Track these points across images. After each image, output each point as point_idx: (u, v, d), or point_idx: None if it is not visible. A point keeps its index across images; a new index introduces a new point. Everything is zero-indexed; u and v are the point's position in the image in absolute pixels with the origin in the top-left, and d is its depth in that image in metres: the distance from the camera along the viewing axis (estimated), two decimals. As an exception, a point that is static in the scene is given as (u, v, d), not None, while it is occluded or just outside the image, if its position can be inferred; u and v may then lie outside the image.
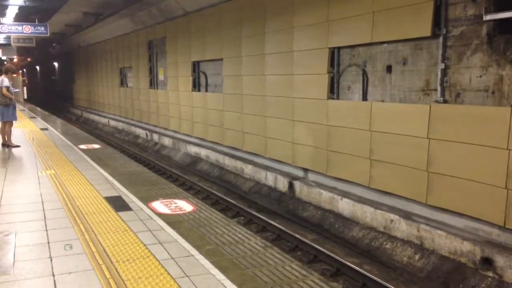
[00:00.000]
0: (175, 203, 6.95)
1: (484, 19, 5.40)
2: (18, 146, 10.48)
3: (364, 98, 7.50)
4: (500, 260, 5.10)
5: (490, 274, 5.19)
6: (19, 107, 11.54)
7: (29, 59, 44.26)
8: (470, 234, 5.65)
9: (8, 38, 21.58)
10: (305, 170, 8.83)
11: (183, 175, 11.16)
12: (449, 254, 5.69)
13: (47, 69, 41.74)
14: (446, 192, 5.99)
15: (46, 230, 4.73)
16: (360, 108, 7.40)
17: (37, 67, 48.09)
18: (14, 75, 12.49)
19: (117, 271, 3.75)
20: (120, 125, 20.58)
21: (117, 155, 12.15)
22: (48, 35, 18.32)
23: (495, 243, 5.35)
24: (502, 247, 5.25)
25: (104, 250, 4.19)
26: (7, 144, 10.31)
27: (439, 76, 6.13)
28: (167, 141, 15.17)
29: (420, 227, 6.09)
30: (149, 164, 12.78)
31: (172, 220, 5.68)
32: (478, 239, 5.51)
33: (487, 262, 5.23)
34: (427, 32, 6.16)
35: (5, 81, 10.14)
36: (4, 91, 10.00)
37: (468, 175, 5.68)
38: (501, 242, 5.33)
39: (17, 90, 11.62)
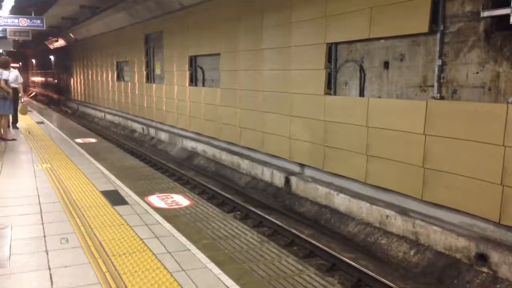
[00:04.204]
0: (171, 197, 6.97)
1: (481, 15, 5.40)
2: (14, 140, 10.45)
3: (361, 94, 7.51)
4: (494, 256, 5.14)
5: (485, 270, 5.22)
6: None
7: (25, 52, 44.00)
8: (465, 230, 5.68)
9: (4, 31, 21.42)
10: (302, 165, 8.85)
11: (180, 170, 11.15)
12: (444, 249, 5.72)
13: (43, 63, 41.51)
14: (442, 188, 6.01)
15: (42, 224, 4.72)
16: (357, 104, 7.41)
17: (33, 60, 47.83)
18: (14, 68, 12.55)
19: (113, 264, 3.75)
20: (116, 119, 20.52)
21: (114, 149, 12.15)
22: (45, 28, 18.20)
23: (490, 239, 5.38)
24: (497, 243, 5.28)
25: (100, 244, 4.19)
26: (3, 138, 10.27)
27: (436, 72, 6.14)
28: (163, 136, 15.14)
29: (416, 223, 6.12)
30: (146, 158, 12.76)
31: (169, 215, 5.70)
32: (473, 235, 5.54)
33: (482, 258, 5.26)
34: (425, 28, 6.16)
35: (4, 74, 10.10)
36: (2, 84, 9.96)
37: (464, 171, 5.70)
38: (496, 238, 5.36)
39: (20, 82, 11.88)
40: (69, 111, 28.21)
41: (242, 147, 10.80)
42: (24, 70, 49.51)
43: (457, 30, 5.86)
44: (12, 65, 12.21)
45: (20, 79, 12.12)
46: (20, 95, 11.98)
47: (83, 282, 3.44)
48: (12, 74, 11.59)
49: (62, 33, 26.90)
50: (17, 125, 12.63)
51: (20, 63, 48.36)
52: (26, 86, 39.37)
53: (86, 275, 3.56)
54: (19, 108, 12.21)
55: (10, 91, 10.25)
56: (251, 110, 10.31)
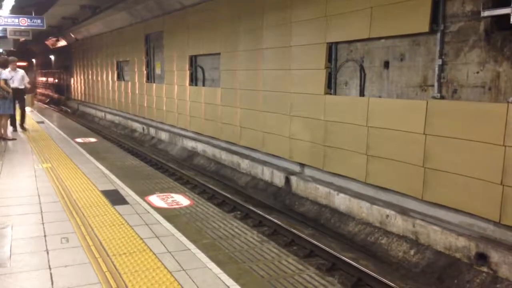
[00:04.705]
0: (171, 197, 6.97)
1: (482, 15, 5.40)
2: (14, 139, 10.45)
3: (361, 93, 7.51)
4: (495, 256, 5.14)
5: (485, 269, 5.22)
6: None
7: (25, 52, 43.95)
8: (465, 229, 5.68)
9: (5, 30, 21.41)
10: (302, 165, 8.85)
11: (180, 169, 11.16)
12: (444, 249, 5.72)
13: (43, 62, 41.50)
14: (442, 188, 6.01)
15: (43, 223, 4.73)
16: (357, 103, 7.40)
17: (33, 60, 47.80)
18: (20, 68, 12.55)
19: (113, 264, 3.76)
20: (116, 119, 20.52)
21: (114, 149, 12.17)
22: (45, 28, 18.20)
23: (490, 239, 5.38)
24: (497, 242, 5.28)
25: (101, 244, 4.20)
26: (3, 137, 10.28)
27: (436, 72, 6.14)
28: (163, 135, 15.14)
29: (416, 223, 6.12)
30: (146, 158, 12.76)
31: (169, 214, 5.70)
32: (473, 234, 5.54)
33: (482, 257, 5.26)
34: (425, 28, 6.16)
35: (3, 73, 10.11)
36: (2, 83, 9.97)
37: (464, 171, 5.70)
38: (496, 238, 5.36)
39: (26, 82, 12.04)
40: (69, 110, 28.23)
41: (242, 147, 10.81)
42: (25, 70, 49.43)
43: (457, 30, 5.86)
44: (18, 63, 12.23)
45: (26, 79, 12.14)
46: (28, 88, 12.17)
47: (83, 281, 3.44)
48: (18, 75, 11.60)
49: (63, 33, 26.90)
50: (17, 124, 12.61)
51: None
52: (33, 85, 39.50)
53: (87, 274, 3.57)
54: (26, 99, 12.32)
55: (10, 90, 10.25)
56: (251, 109, 10.31)
